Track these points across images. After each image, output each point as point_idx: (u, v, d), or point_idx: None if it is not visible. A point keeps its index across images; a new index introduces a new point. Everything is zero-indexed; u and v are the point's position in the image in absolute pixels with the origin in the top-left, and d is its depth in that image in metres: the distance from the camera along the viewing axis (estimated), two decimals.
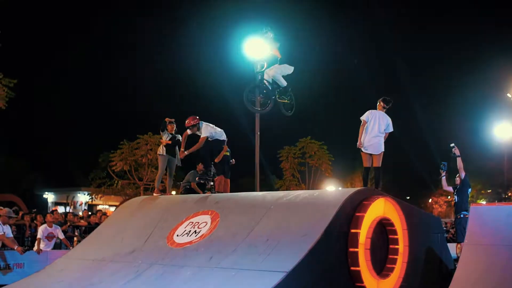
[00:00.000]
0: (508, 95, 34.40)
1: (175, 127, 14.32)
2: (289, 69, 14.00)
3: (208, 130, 13.15)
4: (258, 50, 24.29)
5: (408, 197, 65.18)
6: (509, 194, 64.21)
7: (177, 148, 14.10)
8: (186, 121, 13.17)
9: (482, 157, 46.29)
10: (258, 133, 22.51)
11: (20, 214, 16.34)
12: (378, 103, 12.16)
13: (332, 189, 15.22)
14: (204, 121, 13.39)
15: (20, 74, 27.63)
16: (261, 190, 21.66)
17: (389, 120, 11.98)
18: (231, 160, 15.23)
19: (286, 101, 14.27)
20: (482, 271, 9.70)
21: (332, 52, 74.49)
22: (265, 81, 13.69)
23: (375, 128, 11.78)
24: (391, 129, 11.98)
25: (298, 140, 44.59)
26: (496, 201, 48.10)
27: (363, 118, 11.90)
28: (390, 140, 12.26)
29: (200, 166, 15.20)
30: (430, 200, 63.82)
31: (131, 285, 9.74)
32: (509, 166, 43.09)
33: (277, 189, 41.08)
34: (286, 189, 39.71)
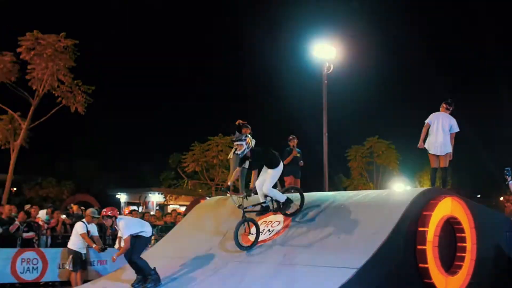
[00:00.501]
0: None
1: (249, 130, 14.73)
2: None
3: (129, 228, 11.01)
4: (325, 52, 24.90)
5: (479, 196, 64.14)
6: None
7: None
8: (103, 211, 11.35)
9: None
10: (326, 134, 22.96)
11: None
12: (441, 106, 12.45)
13: (400, 189, 15.50)
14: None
15: (97, 80, 28.78)
16: (328, 190, 22.05)
17: (453, 121, 12.25)
18: (300, 161, 15.71)
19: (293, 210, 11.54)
20: None
21: (400, 48, 74.02)
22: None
23: (439, 130, 12.08)
24: (456, 130, 12.23)
25: (366, 139, 44.62)
26: None
27: (426, 121, 12.25)
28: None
29: None
30: (501, 198, 62.49)
31: (209, 281, 10.31)
32: None
33: (345, 189, 41.22)
34: (354, 188, 39.83)
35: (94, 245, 13.59)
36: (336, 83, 28.66)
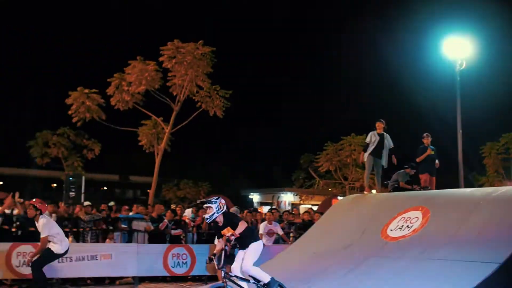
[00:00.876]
0: None
1: (383, 126, 14.95)
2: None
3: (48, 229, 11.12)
4: (458, 48, 24.58)
5: None
6: None
7: (384, 150, 14.81)
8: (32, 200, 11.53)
9: None
10: (461, 131, 22.72)
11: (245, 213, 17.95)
12: None
13: None
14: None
15: (234, 85, 29.97)
16: (467, 187, 21.76)
17: None
18: (436, 161, 15.75)
19: None
20: None
21: None
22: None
23: None
24: None
25: (501, 135, 43.19)
26: None
27: None
28: None
29: (408, 171, 15.75)
30: None
31: (350, 275, 10.72)
32: None
33: (480, 186, 40.13)
34: (490, 186, 38.71)
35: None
36: (469, 79, 28.17)
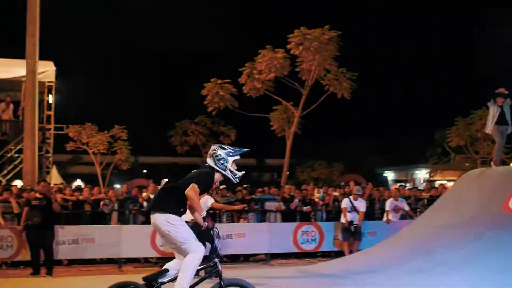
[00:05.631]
0: None
1: (502, 100, 14.85)
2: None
3: None
4: None
5: None
6: None
7: (509, 116, 14.74)
8: None
9: None
10: None
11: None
12: None
13: None
14: None
15: (361, 67, 30.23)
16: None
17: None
18: None
19: None
20: None
21: None
22: None
23: None
24: None
25: None
26: None
27: None
28: None
29: None
30: None
31: (471, 247, 11.04)
32: None
33: None
34: None
35: (344, 219, 14.91)
36: None
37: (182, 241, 6.95)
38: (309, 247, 15.92)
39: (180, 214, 7.08)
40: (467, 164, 39.09)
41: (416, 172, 47.50)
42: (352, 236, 15.17)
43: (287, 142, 30.19)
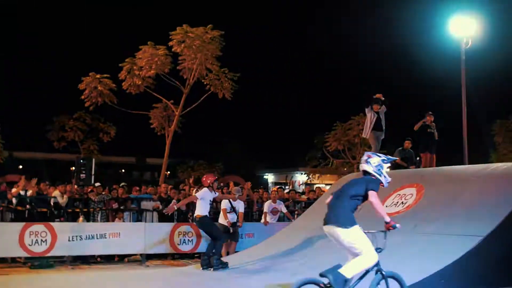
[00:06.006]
0: None
1: (379, 106, 15.20)
2: None
3: None
4: (464, 27, 24.70)
5: None
6: None
7: (384, 122, 15.09)
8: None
9: None
10: (465, 108, 22.94)
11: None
12: None
13: None
14: None
15: (244, 68, 30.39)
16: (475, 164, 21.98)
17: None
18: (435, 134, 15.98)
19: None
20: None
21: None
22: None
23: None
24: None
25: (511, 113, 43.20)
26: None
27: None
28: None
29: (407, 144, 16.15)
30: None
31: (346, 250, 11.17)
32: None
33: (490, 163, 40.22)
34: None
35: (226, 220, 14.66)
36: (476, 57, 28.28)
37: (359, 251, 7.40)
38: (186, 248, 15.54)
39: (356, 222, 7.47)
40: (345, 168, 40.14)
41: (296, 175, 48.31)
42: (230, 237, 14.94)
43: (166, 141, 29.70)
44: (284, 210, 16.70)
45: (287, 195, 19.08)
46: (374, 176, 7.67)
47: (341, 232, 7.37)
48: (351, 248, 7.45)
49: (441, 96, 42.12)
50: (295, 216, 17.11)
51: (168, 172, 51.83)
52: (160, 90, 29.29)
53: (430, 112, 16.13)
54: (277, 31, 77.82)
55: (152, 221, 16.17)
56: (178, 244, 15.36)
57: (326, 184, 40.46)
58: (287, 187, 41.13)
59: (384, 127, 15.16)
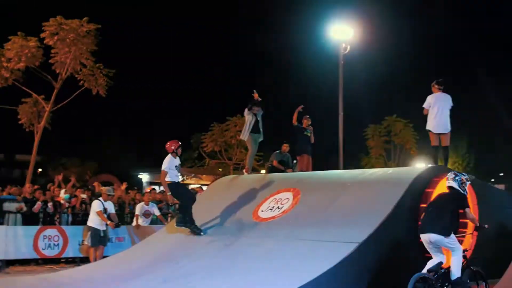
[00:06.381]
0: None
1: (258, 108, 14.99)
2: None
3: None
4: (342, 32, 25.18)
5: (501, 174, 63.92)
6: None
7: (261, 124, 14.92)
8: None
9: None
10: (342, 113, 23.34)
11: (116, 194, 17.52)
12: (432, 87, 12.74)
13: (416, 167, 15.77)
14: None
15: (119, 64, 29.40)
16: (349, 168, 22.38)
17: (450, 99, 12.60)
18: (311, 138, 15.96)
19: None
20: None
21: (420, 27, 73.80)
22: None
23: (440, 109, 12.41)
24: (450, 106, 12.57)
25: (384, 118, 44.78)
26: None
27: (424, 106, 12.63)
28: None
29: (284, 147, 16.06)
30: None
31: (222, 255, 10.86)
32: None
33: (363, 167, 41.47)
34: (372, 167, 40.06)
35: (108, 222, 14.07)
36: (353, 63, 28.92)
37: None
38: (52, 253, 14.68)
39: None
40: (220, 169, 39.99)
41: None
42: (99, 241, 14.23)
43: (35, 137, 28.17)
44: (157, 213, 16.23)
45: (160, 196, 18.52)
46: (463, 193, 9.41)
47: (441, 240, 9.07)
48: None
49: (319, 101, 42.86)
50: (168, 219, 16.63)
51: (40, 170, 49.82)
52: (30, 84, 27.74)
53: (308, 116, 16.07)
54: (156, 27, 76.58)
55: (16, 224, 15.10)
56: (43, 248, 14.46)
57: (202, 185, 40.18)
58: (161, 187, 40.41)
59: (262, 130, 14.96)
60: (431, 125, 12.52)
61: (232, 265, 10.28)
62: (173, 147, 12.38)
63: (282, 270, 9.29)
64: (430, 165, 12.14)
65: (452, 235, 9.08)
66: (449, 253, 9.27)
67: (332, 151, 24.53)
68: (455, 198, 9.25)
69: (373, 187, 11.19)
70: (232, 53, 71.92)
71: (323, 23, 26.60)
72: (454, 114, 12.63)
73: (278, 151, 16.08)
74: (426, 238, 9.14)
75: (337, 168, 20.81)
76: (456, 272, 9.15)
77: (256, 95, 14.87)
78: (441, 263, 9.19)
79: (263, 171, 15.78)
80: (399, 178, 11.09)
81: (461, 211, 9.27)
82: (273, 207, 11.92)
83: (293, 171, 15.50)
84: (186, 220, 12.05)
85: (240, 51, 75.01)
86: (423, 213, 9.51)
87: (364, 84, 43.92)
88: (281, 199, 12.12)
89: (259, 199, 12.48)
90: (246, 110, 14.90)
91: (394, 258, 9.77)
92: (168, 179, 12.23)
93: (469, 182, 9.62)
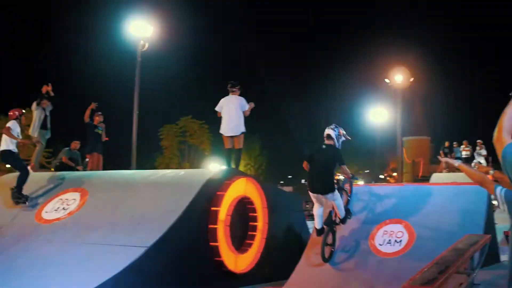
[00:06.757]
0: (386, 80, 35.57)
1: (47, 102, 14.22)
2: None
3: None
4: (141, 29, 24.71)
5: (290, 176, 67.10)
6: (385, 174, 67.45)
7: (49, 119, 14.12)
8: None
9: (360, 140, 48.25)
10: (137, 112, 22.86)
11: None
12: (228, 89, 12.65)
13: (216, 169, 15.81)
14: None
15: None
16: (143, 168, 21.93)
17: (242, 101, 12.42)
18: (103, 135, 15.39)
19: None
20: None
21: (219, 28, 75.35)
22: None
23: (231, 112, 12.29)
24: (246, 107, 12.40)
25: (180, 118, 44.86)
26: (373, 181, 50.45)
27: (216, 108, 12.48)
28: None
29: (74, 144, 15.37)
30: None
31: None
32: (381, 148, 45.26)
33: (157, 167, 41.25)
34: (166, 167, 39.94)
35: None
36: (151, 61, 28.56)
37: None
38: None
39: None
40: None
41: None
42: None
43: None
44: None
45: None
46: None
47: (329, 197, 10.07)
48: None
49: (116, 98, 41.93)
50: None
51: None
52: None
53: (100, 113, 15.48)
54: None
55: None
56: None
57: None
58: None
59: (49, 125, 14.12)
60: (222, 128, 12.42)
61: (8, 271, 9.43)
62: (17, 113, 11.93)
63: (64, 275, 8.70)
64: (222, 168, 12.05)
65: (335, 191, 10.07)
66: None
67: (127, 150, 23.96)
68: (335, 154, 10.14)
69: (164, 189, 10.91)
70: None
71: (123, 19, 25.98)
72: (250, 117, 12.63)
73: (67, 148, 15.36)
74: (315, 195, 10.11)
75: (131, 168, 20.37)
76: (342, 213, 10.39)
77: (46, 88, 14.01)
78: (331, 212, 10.41)
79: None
80: (191, 180, 10.92)
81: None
82: (58, 208, 11.14)
83: (83, 170, 14.81)
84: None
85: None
86: (309, 169, 10.21)
87: (161, 83, 43.71)
88: (67, 199, 11.36)
89: (44, 199, 11.62)
90: (35, 104, 13.99)
91: (185, 261, 9.64)
92: (4, 147, 11.89)
93: (345, 139, 10.48)
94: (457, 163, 5.17)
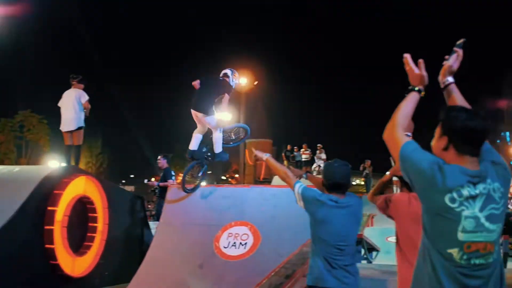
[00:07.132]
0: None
1: None
2: None
3: None
4: None
5: (132, 175, 66.19)
6: (227, 176, 68.27)
7: None
8: None
9: None
10: None
11: None
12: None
13: (55, 165, 14.84)
14: None
15: None
16: None
17: (81, 93, 11.99)
18: None
19: None
20: (172, 248, 10.26)
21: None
22: None
23: (69, 106, 11.83)
24: (84, 100, 11.96)
25: (18, 112, 42.63)
26: (215, 182, 50.77)
27: (58, 104, 12.02)
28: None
29: None
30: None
31: None
32: None
33: None
34: (1, 163, 37.82)
35: None
36: None
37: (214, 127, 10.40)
38: None
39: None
40: None
41: None
42: None
43: None
44: None
45: None
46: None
47: (207, 118, 10.14)
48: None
49: None
50: None
51: None
52: None
53: None
54: None
55: None
56: None
57: None
58: None
59: None
60: (61, 123, 11.81)
61: None
62: None
63: None
64: (61, 165, 11.37)
65: (214, 116, 10.19)
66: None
67: None
68: (224, 86, 10.32)
69: None
70: None
71: None
72: (93, 115, 12.09)
73: None
74: (194, 113, 10.16)
75: None
76: (217, 148, 10.57)
77: None
78: (205, 148, 10.72)
79: None
80: (27, 178, 10.17)
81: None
82: None
83: None
84: None
85: None
86: (197, 90, 10.30)
87: None
88: None
89: None
90: None
91: (16, 266, 8.91)
92: None
93: (237, 82, 10.84)
94: (265, 156, 5.67)
